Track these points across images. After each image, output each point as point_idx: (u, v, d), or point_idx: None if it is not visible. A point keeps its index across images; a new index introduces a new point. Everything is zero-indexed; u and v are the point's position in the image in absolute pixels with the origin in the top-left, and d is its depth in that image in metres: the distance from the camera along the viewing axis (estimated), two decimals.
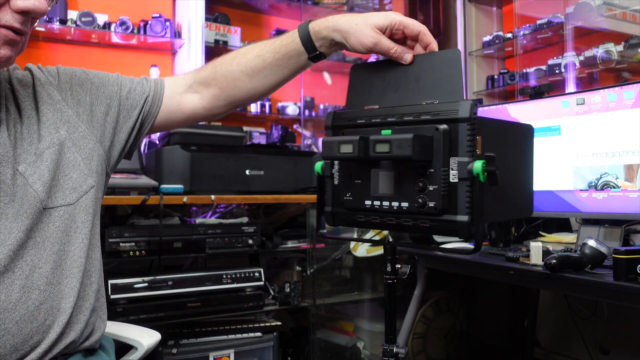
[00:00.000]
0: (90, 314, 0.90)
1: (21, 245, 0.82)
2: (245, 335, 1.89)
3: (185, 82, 1.03)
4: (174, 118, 1.04)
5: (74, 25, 2.38)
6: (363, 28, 0.87)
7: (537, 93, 1.76)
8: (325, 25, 0.92)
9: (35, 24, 0.85)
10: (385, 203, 0.82)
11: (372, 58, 3.26)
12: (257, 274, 1.93)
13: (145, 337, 1.12)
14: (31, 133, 0.87)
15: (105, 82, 0.99)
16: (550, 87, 1.77)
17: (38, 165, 0.85)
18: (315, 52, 0.94)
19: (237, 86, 1.00)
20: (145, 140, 2.25)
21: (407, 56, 0.86)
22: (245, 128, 2.72)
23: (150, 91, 1.01)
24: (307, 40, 0.93)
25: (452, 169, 0.76)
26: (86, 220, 0.90)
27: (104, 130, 0.95)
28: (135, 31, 2.51)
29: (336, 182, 0.89)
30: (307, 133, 2.99)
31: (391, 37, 0.87)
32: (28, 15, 0.79)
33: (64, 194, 0.87)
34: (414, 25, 0.86)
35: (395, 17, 0.86)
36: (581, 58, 2.52)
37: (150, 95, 1.01)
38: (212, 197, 1.89)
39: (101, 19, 2.45)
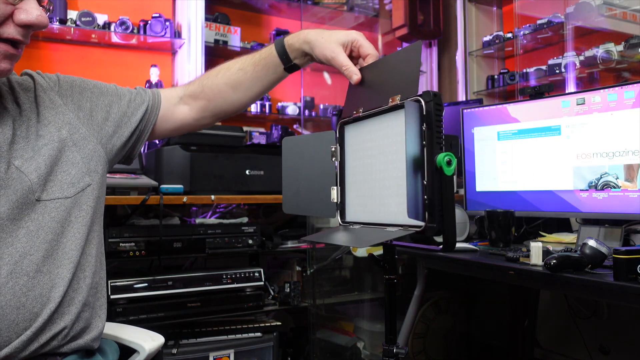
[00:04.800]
0: (82, 308, 0.91)
1: (8, 232, 0.84)
2: (245, 335, 1.89)
3: (177, 94, 1.11)
4: (167, 127, 1.10)
5: (74, 25, 2.38)
6: (327, 41, 0.98)
7: (537, 93, 1.76)
8: (297, 38, 1.03)
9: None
10: None
11: None
12: (257, 274, 1.93)
13: (147, 341, 1.10)
14: (29, 133, 0.90)
15: (104, 91, 1.04)
16: (550, 87, 1.77)
17: (35, 159, 0.88)
18: (290, 63, 1.05)
19: (223, 98, 1.09)
20: None
21: (355, 77, 0.95)
22: (245, 128, 2.72)
23: (149, 100, 1.07)
24: (282, 53, 1.04)
25: None
26: (80, 216, 0.92)
27: (103, 134, 1.00)
28: (135, 31, 2.51)
29: None
30: (307, 133, 3.00)
31: (350, 53, 0.98)
32: (30, 29, 0.82)
33: (61, 187, 0.90)
34: (367, 48, 0.97)
35: (356, 36, 0.97)
36: (581, 58, 2.52)
37: (150, 105, 1.07)
38: (212, 197, 1.89)
39: (101, 19, 2.45)
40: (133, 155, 1.09)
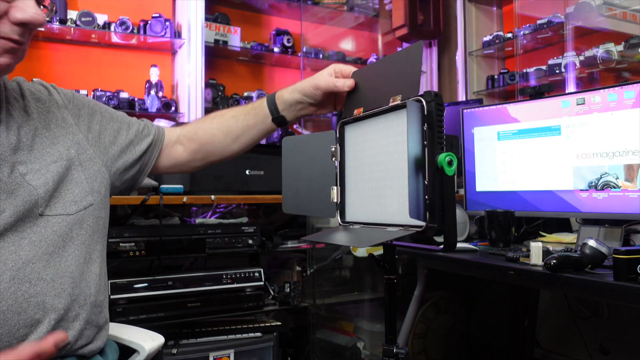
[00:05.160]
0: (85, 325, 0.92)
1: (10, 242, 0.84)
2: (245, 335, 1.89)
3: (176, 133, 1.16)
4: (164, 164, 1.15)
5: (74, 25, 2.38)
6: (318, 75, 1.07)
7: (537, 93, 1.76)
8: (286, 90, 1.11)
9: (34, 31, 0.87)
10: None
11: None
12: (257, 274, 1.93)
13: (147, 341, 1.10)
14: (34, 143, 0.91)
15: (114, 117, 1.08)
16: (550, 87, 1.77)
17: (44, 174, 0.89)
18: (278, 114, 1.11)
19: (214, 142, 1.14)
20: None
21: (348, 82, 1.02)
22: None
23: (155, 134, 1.12)
24: (272, 104, 1.11)
25: None
26: (80, 234, 0.93)
27: (108, 157, 1.03)
28: (135, 31, 2.51)
29: None
30: (307, 133, 2.99)
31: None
32: (26, 27, 0.81)
33: (64, 205, 0.91)
34: (347, 69, 1.06)
35: (338, 65, 1.08)
36: (581, 58, 2.52)
37: (154, 139, 1.11)
38: (212, 197, 1.89)
39: (101, 19, 2.45)
40: (135, 186, 1.13)
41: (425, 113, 0.74)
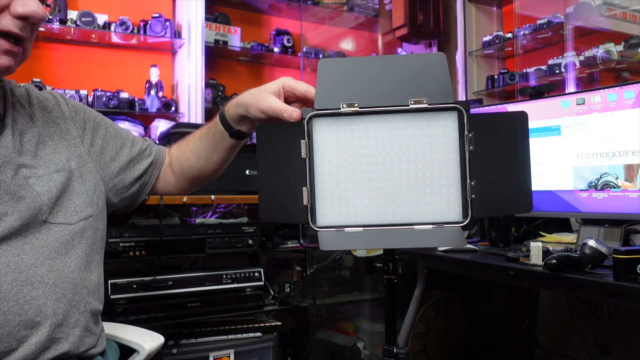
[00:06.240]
0: (85, 332, 0.92)
1: (14, 245, 0.85)
2: (245, 335, 1.89)
3: (169, 156, 1.15)
4: (160, 185, 1.14)
5: (74, 25, 2.38)
6: (258, 95, 0.94)
7: (537, 93, 1.76)
8: (230, 104, 1.00)
9: (36, 31, 0.88)
10: None
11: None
12: (257, 274, 1.93)
13: (147, 341, 1.10)
14: (38, 149, 0.92)
15: (119, 134, 1.08)
16: (550, 87, 1.77)
17: (47, 182, 0.91)
18: (232, 130, 1.02)
19: (190, 166, 1.11)
20: None
21: (294, 114, 0.89)
22: None
23: (156, 155, 1.12)
24: (223, 121, 1.02)
25: None
26: (81, 243, 0.94)
27: (107, 173, 1.04)
28: (135, 31, 2.51)
29: None
30: None
31: (286, 99, 0.95)
32: (27, 21, 0.82)
33: (65, 214, 0.92)
34: (301, 87, 0.95)
35: (286, 80, 0.96)
36: (581, 58, 2.52)
37: (155, 159, 1.12)
38: (212, 197, 1.89)
39: (101, 19, 2.45)
40: (134, 204, 1.13)
41: (465, 120, 0.84)
